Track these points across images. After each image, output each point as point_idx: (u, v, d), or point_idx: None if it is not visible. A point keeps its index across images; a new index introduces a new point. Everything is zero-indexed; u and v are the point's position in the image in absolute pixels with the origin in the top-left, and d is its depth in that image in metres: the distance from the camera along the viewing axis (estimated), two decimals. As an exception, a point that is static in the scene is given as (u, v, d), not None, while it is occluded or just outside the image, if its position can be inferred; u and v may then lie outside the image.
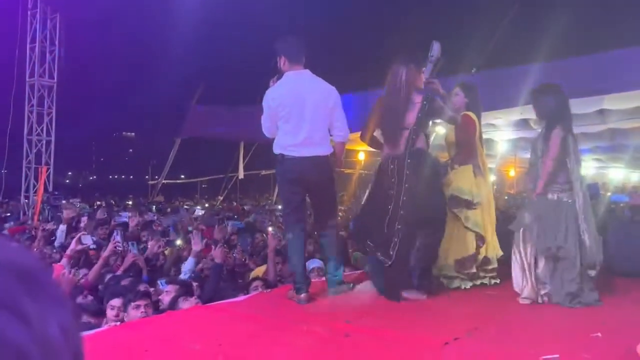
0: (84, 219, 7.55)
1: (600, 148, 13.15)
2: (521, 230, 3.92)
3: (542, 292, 3.79)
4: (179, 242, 6.47)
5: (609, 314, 3.43)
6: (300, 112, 3.85)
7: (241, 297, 4.07)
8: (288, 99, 3.87)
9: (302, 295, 3.80)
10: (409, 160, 3.87)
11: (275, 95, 3.91)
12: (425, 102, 3.91)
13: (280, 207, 12.49)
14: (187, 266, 4.75)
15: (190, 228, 7.86)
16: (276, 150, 3.95)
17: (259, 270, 5.21)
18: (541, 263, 3.81)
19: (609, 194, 11.76)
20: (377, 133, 4.24)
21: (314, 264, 4.80)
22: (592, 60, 8.09)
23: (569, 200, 3.80)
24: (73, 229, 7.09)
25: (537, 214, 3.83)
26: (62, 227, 6.72)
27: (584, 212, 3.79)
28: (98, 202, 17.21)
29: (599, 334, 2.94)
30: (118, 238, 4.90)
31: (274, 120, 3.94)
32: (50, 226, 7.09)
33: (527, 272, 3.81)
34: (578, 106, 8.66)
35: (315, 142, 3.89)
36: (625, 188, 15.19)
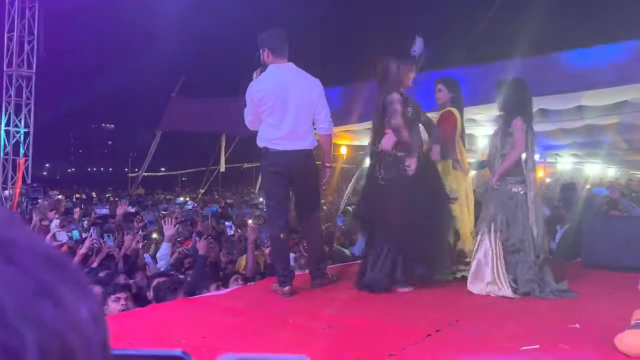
0: (77, 210, 7.46)
1: (578, 144, 13.36)
2: (488, 222, 3.98)
3: (513, 285, 3.86)
4: (155, 235, 6.36)
5: (585, 306, 3.52)
6: (284, 105, 3.85)
7: (225, 290, 4.07)
8: (272, 92, 3.86)
9: (286, 288, 3.82)
10: (369, 161, 4.03)
11: (259, 88, 3.90)
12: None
13: (261, 199, 12.48)
14: (162, 251, 4.78)
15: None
16: (260, 143, 3.95)
17: (244, 260, 5.20)
18: (503, 255, 3.90)
19: (588, 186, 11.96)
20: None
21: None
22: (568, 57, 8.21)
23: (522, 192, 3.92)
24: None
25: (499, 202, 3.93)
26: (56, 222, 6.65)
27: (534, 203, 3.94)
28: (77, 195, 16.98)
29: (577, 325, 3.02)
30: (94, 235, 4.87)
31: (257, 113, 3.93)
32: (52, 215, 6.95)
33: (498, 267, 3.88)
34: (557, 102, 8.80)
35: (300, 135, 3.89)
36: (602, 183, 15.47)
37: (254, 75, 4.03)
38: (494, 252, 3.90)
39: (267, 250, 4.89)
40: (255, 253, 5.09)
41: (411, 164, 3.91)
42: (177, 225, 5.33)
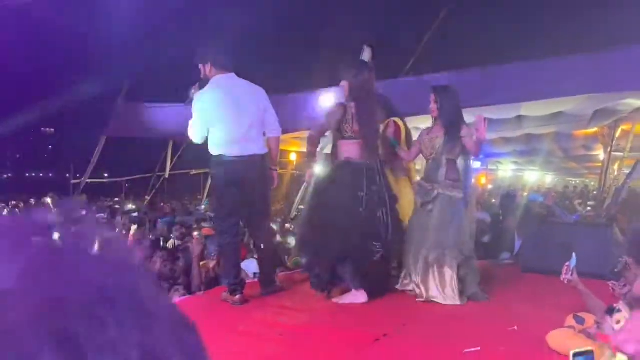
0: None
1: (517, 152, 13.92)
2: (423, 230, 4.07)
3: (462, 292, 3.98)
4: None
5: (523, 309, 3.69)
6: (236, 112, 3.87)
7: (174, 300, 4.02)
8: (223, 100, 3.88)
9: (237, 297, 3.82)
10: (380, 168, 4.10)
11: (209, 98, 3.89)
12: None
13: (204, 207, 12.29)
14: None
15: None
16: (214, 151, 3.92)
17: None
18: (451, 262, 3.97)
19: (525, 194, 12.48)
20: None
21: (252, 265, 4.80)
22: (510, 69, 8.56)
23: (459, 196, 4.06)
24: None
25: (440, 207, 4.03)
26: None
27: (470, 206, 4.16)
28: (13, 202, 16.20)
29: (515, 328, 3.17)
30: None
31: (206, 123, 3.90)
32: None
33: (445, 274, 3.98)
34: (499, 112, 9.18)
35: (253, 140, 3.93)
36: (540, 189, 16.17)
37: (192, 91, 4.02)
38: (442, 259, 4.00)
39: (212, 264, 4.82)
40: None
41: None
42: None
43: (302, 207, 11.23)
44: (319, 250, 4.01)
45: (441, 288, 3.95)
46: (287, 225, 8.04)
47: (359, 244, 3.92)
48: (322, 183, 4.23)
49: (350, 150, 4.06)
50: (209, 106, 3.88)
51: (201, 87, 3.97)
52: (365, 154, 4.04)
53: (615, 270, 3.44)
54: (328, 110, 4.17)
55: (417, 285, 4.03)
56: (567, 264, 3.00)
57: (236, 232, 4.00)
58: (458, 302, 3.90)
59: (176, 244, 6.43)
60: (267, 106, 4.08)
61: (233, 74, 3.99)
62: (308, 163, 4.45)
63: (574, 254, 3.01)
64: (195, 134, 3.98)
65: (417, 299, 3.99)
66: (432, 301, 3.94)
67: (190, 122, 3.96)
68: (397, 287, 4.20)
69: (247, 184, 3.90)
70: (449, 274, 3.94)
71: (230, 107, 3.87)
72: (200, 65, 3.97)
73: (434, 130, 4.23)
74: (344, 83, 4.14)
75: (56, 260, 0.33)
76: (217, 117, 3.87)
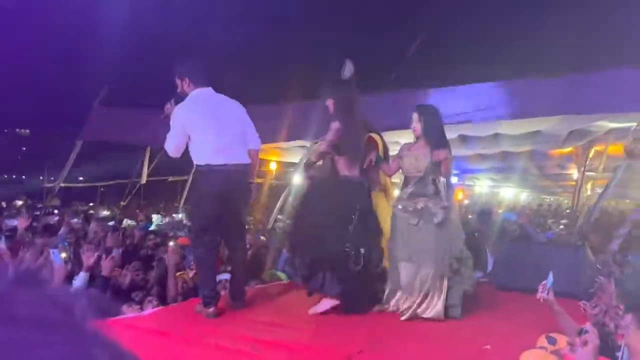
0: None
1: (494, 168, 14.12)
2: (411, 241, 4.05)
3: (447, 303, 3.98)
4: (63, 255, 5.62)
5: (497, 327, 3.71)
6: (219, 122, 3.86)
7: (147, 311, 3.96)
8: (205, 111, 3.86)
9: (211, 310, 3.77)
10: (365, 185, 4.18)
11: (190, 109, 3.87)
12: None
13: (180, 215, 12.16)
14: (78, 282, 4.26)
15: None
16: (200, 161, 3.86)
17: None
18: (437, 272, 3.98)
19: (501, 211, 12.63)
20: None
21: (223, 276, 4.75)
22: (490, 88, 8.69)
23: (447, 205, 4.06)
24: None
25: (436, 221, 4.01)
26: None
27: (451, 222, 4.13)
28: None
29: (488, 347, 3.19)
30: (2, 245, 4.57)
31: (187, 135, 3.86)
32: None
33: (435, 287, 3.99)
34: (477, 129, 9.31)
35: (237, 149, 3.91)
36: (515, 207, 16.40)
37: (167, 106, 3.99)
38: (420, 275, 3.99)
39: (191, 274, 4.75)
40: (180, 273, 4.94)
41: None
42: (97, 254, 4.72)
43: (280, 217, 11.22)
44: (301, 244, 4.12)
45: (434, 301, 3.95)
46: (263, 238, 7.96)
47: (337, 250, 3.97)
48: (316, 195, 4.27)
49: (346, 166, 4.14)
50: (191, 117, 3.84)
51: (177, 103, 3.94)
52: (357, 171, 4.13)
53: (591, 291, 3.48)
54: (334, 126, 4.15)
55: (405, 301, 4.00)
56: (543, 282, 3.04)
57: (212, 246, 3.95)
58: (441, 315, 3.91)
59: (150, 253, 6.33)
60: (246, 119, 4.09)
61: (210, 88, 4.00)
62: (307, 169, 4.48)
63: (550, 273, 3.05)
64: (173, 147, 3.91)
65: (401, 318, 3.95)
66: (416, 317, 3.93)
67: (169, 135, 3.90)
68: (375, 308, 4.15)
69: (230, 195, 3.85)
70: (444, 285, 3.96)
71: (213, 118, 3.86)
72: (178, 80, 3.96)
73: (416, 148, 4.22)
74: (329, 100, 4.16)
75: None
76: (200, 127, 3.85)
